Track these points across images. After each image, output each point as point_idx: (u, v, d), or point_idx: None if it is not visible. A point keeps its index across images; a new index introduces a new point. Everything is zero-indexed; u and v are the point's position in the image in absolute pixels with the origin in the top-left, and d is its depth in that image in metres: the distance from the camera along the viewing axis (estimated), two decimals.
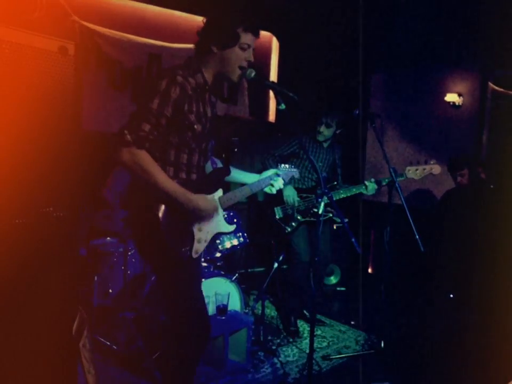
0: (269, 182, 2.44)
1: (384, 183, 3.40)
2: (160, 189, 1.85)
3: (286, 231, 3.57)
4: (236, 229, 2.31)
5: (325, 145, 3.72)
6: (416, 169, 3.34)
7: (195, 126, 1.95)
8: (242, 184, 2.38)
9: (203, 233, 2.06)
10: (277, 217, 3.60)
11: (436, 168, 3.36)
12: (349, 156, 4.12)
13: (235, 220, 3.57)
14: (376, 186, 3.45)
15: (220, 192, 2.17)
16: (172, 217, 1.91)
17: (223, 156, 2.25)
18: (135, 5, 4.43)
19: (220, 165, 2.32)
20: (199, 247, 2.02)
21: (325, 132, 3.61)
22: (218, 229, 2.15)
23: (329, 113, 3.58)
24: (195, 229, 2.02)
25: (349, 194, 3.49)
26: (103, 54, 4.23)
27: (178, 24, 4.71)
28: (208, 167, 2.23)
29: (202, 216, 1.99)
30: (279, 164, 2.66)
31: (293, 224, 3.57)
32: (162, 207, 1.90)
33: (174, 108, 1.87)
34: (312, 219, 3.60)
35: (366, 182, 3.46)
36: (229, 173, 2.24)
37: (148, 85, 1.89)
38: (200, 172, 2.10)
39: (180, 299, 2.04)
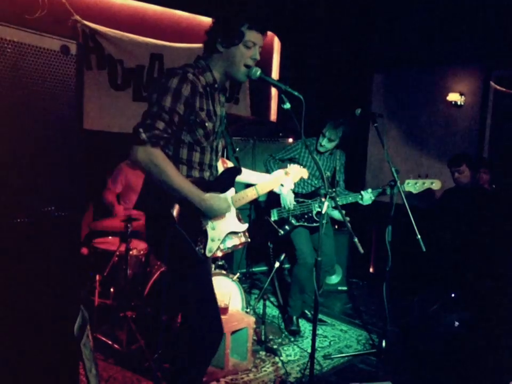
0: (279, 183, 2.43)
1: (388, 192, 3.38)
2: (174, 187, 1.85)
3: (279, 234, 3.58)
4: None
5: (326, 152, 3.72)
6: (416, 183, 3.32)
7: (206, 124, 1.95)
8: (251, 185, 2.38)
9: (216, 232, 2.06)
10: (272, 219, 3.61)
11: (437, 184, 3.33)
12: (352, 157, 4.11)
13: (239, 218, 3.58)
14: (372, 197, 3.43)
15: (232, 191, 2.17)
16: (186, 216, 1.91)
17: (234, 155, 2.24)
18: (136, 4, 4.43)
19: (231, 164, 2.31)
20: (212, 245, 2.03)
21: (327, 145, 3.63)
22: (231, 227, 2.15)
23: (333, 129, 3.56)
24: (209, 228, 2.03)
25: (344, 202, 3.50)
26: (104, 54, 4.23)
27: (179, 24, 4.71)
28: (219, 167, 2.23)
29: (216, 215, 2.00)
30: (288, 164, 2.65)
31: (286, 227, 3.59)
32: (177, 206, 1.91)
33: (186, 105, 1.87)
34: (305, 224, 3.62)
35: (363, 192, 3.45)
36: (240, 172, 2.23)
37: (158, 83, 1.88)
38: (213, 171, 2.10)
39: (194, 298, 2.04)
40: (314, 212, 3.59)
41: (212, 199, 1.95)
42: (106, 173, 4.01)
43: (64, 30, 3.85)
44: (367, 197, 3.41)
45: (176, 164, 1.92)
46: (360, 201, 3.46)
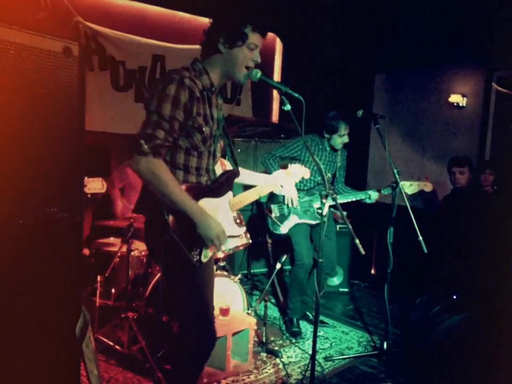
0: (280, 184, 2.42)
1: (386, 193, 3.41)
2: (173, 200, 1.84)
3: (281, 231, 3.57)
4: None
5: (328, 149, 3.72)
6: (411, 184, 3.39)
7: (203, 129, 1.94)
8: (251, 186, 2.36)
9: None
10: (273, 215, 3.60)
11: (428, 186, 3.43)
12: (354, 159, 4.11)
13: (238, 221, 3.57)
14: (377, 195, 3.46)
15: (230, 195, 2.16)
16: (181, 223, 1.90)
17: (232, 157, 2.22)
18: (138, 5, 4.44)
19: (229, 166, 2.29)
20: (208, 251, 2.02)
21: (346, 140, 3.63)
22: (227, 232, 2.14)
23: (346, 124, 3.56)
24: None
25: (344, 201, 3.50)
26: (106, 55, 4.24)
27: (181, 25, 4.72)
28: (218, 169, 2.22)
29: (206, 235, 1.93)
30: (289, 162, 2.63)
31: (289, 224, 3.58)
32: (172, 212, 1.90)
33: (185, 112, 1.86)
34: (308, 220, 3.61)
35: (370, 192, 3.49)
36: (238, 175, 2.21)
37: (155, 90, 1.86)
38: (210, 175, 2.09)
39: (187, 303, 2.04)
40: (316, 208, 3.59)
41: (212, 225, 1.92)
42: (108, 173, 4.02)
43: (66, 32, 3.86)
44: (375, 196, 3.47)
45: (172, 169, 1.91)
46: (368, 200, 3.50)
